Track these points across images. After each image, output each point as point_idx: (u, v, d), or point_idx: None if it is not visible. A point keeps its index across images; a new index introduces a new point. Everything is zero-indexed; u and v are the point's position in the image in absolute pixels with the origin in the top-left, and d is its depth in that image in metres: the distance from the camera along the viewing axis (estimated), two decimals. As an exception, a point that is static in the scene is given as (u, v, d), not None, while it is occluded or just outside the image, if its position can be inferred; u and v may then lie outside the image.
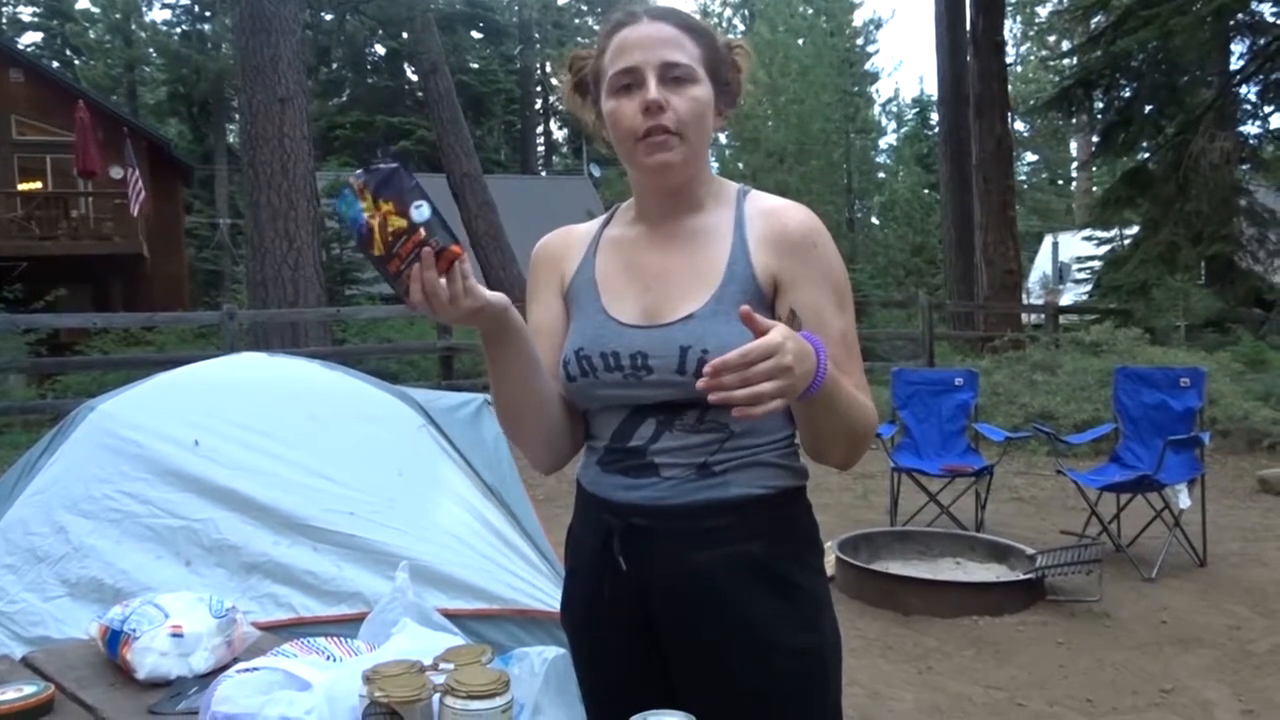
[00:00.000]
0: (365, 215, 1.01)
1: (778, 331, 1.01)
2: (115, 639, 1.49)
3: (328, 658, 1.23)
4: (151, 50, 32.27)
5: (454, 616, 2.41)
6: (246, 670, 1.14)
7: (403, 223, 1.00)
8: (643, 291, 1.30)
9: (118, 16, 32.32)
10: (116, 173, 16.49)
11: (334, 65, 32.10)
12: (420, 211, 1.00)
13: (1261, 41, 14.36)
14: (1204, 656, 3.66)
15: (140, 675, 1.44)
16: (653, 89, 1.23)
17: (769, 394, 0.99)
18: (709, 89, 1.28)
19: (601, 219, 1.45)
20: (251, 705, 1.06)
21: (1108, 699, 3.28)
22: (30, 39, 31.79)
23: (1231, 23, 13.80)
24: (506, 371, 1.23)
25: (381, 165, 1.00)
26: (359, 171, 1.01)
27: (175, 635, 1.45)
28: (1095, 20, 16.17)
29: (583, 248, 1.39)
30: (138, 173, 15.52)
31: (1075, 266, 22.27)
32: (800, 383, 1.04)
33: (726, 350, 1.19)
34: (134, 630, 1.47)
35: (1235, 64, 14.91)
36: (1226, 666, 3.55)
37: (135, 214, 15.90)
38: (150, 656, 1.44)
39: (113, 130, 17.00)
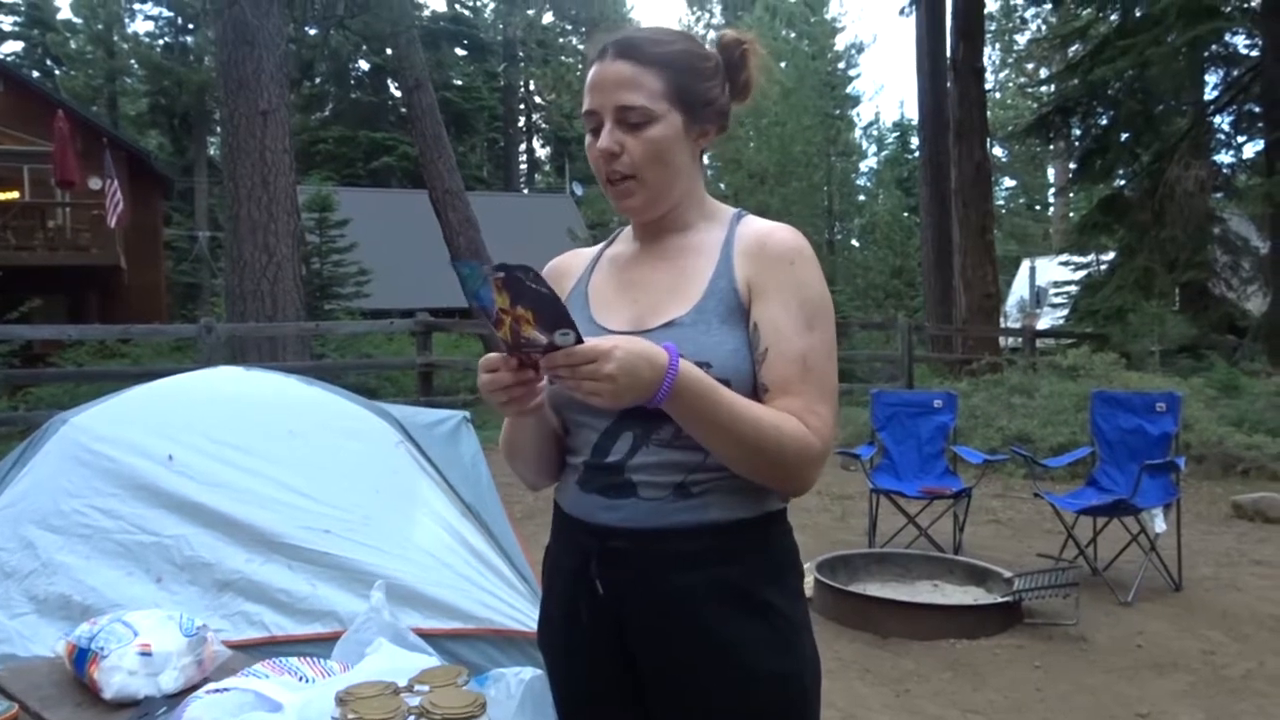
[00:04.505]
0: (496, 305, 1.09)
1: (608, 341, 1.09)
2: (82, 657, 1.46)
3: (300, 678, 1.21)
4: (133, 61, 32.15)
5: (430, 636, 2.38)
6: (216, 691, 1.12)
7: (540, 338, 1.07)
8: (631, 302, 1.33)
9: (99, 27, 32.21)
10: (95, 184, 16.35)
11: (317, 79, 32.07)
12: (567, 338, 1.07)
13: (1235, 72, 14.63)
14: (1179, 681, 3.67)
15: (107, 695, 1.41)
16: (604, 137, 1.28)
17: (586, 391, 1.09)
18: (673, 122, 1.29)
19: (607, 240, 1.50)
20: (221, 727, 1.04)
21: (1084, 723, 3.28)
22: (10, 48, 31.60)
23: (1206, 54, 14.04)
24: (521, 428, 1.34)
25: (533, 286, 1.05)
26: (498, 267, 1.06)
27: (144, 654, 1.42)
28: (1073, 49, 16.42)
29: (583, 267, 1.44)
30: (116, 184, 15.40)
31: (1052, 291, 22.46)
32: (627, 390, 1.09)
33: (703, 356, 1.20)
34: (102, 648, 1.44)
35: (1209, 94, 15.16)
36: (1201, 691, 3.57)
37: (113, 225, 15.76)
38: (118, 675, 1.41)
39: (92, 141, 16.87)
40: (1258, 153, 14.54)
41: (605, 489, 1.28)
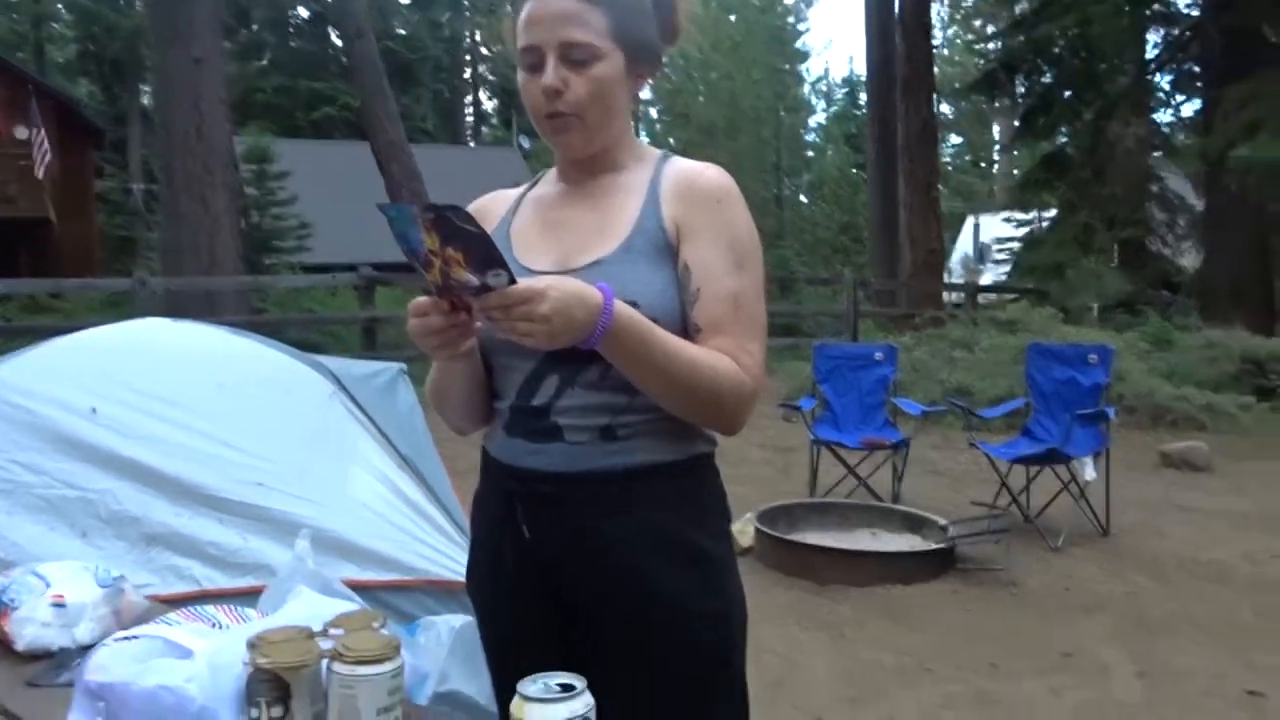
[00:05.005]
0: (425, 247, 1.06)
1: (542, 282, 1.07)
2: (-7, 610, 1.42)
3: (213, 625, 1.19)
4: (60, 6, 30.85)
5: (365, 588, 2.37)
6: (124, 639, 1.10)
7: (472, 280, 1.05)
8: (556, 242, 1.31)
9: (24, -31, 30.79)
10: (21, 133, 15.76)
11: (254, 27, 31.06)
12: (499, 279, 1.05)
13: (1175, 32, 14.82)
14: (1104, 622, 3.79)
15: (19, 646, 1.38)
16: (549, 73, 1.24)
17: (521, 333, 1.07)
18: (616, 62, 1.27)
19: (530, 183, 1.47)
20: (127, 674, 1.02)
21: (1011, 663, 3.38)
22: (-73, -10, 30.12)
23: (1147, 13, 14.20)
24: (450, 373, 1.31)
25: (463, 225, 1.02)
26: (427, 207, 1.03)
27: (57, 605, 1.39)
28: (1020, 6, 16.49)
29: (505, 209, 1.42)
30: (43, 133, 14.87)
31: (995, 247, 22.79)
32: (562, 331, 1.08)
33: (630, 295, 1.19)
34: (12, 600, 1.40)
35: (1150, 53, 15.36)
36: (1125, 632, 3.69)
37: (40, 176, 15.24)
38: (30, 627, 1.38)
39: (17, 88, 16.23)
40: (1196, 112, 14.82)
41: (531, 433, 1.27)
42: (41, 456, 2.49)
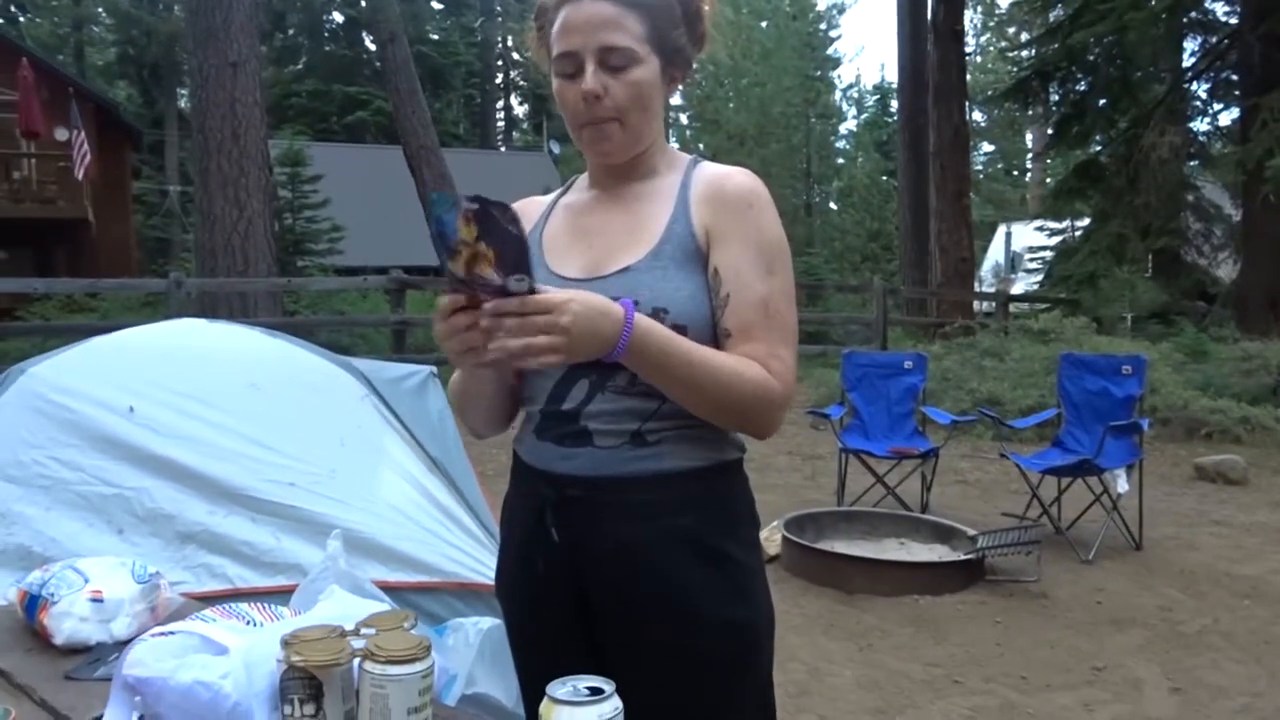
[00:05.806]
0: (459, 235, 1.04)
1: (564, 293, 1.06)
2: (33, 604, 1.45)
3: (248, 623, 1.21)
4: (101, 10, 31.37)
5: (393, 589, 2.38)
6: (161, 634, 1.11)
7: (494, 279, 1.03)
8: (586, 249, 1.32)
9: (65, -27, 31.33)
10: (61, 134, 16.01)
11: (289, 31, 31.49)
12: (521, 284, 1.04)
13: (1212, 40, 14.63)
14: (1136, 636, 3.74)
15: (58, 641, 1.40)
16: (589, 78, 1.24)
17: (540, 347, 1.03)
18: (653, 66, 1.27)
19: (561, 189, 1.47)
20: (164, 669, 1.03)
21: (1042, 676, 3.34)
22: (-28, -6, 30.71)
23: (1184, 20, 14.02)
24: (478, 379, 1.33)
25: (505, 225, 1.01)
26: (474, 198, 1.01)
27: (95, 600, 1.41)
28: (1054, 13, 16.34)
29: (537, 215, 1.42)
30: (83, 135, 15.09)
31: (1027, 256, 22.56)
32: (581, 345, 1.06)
33: (659, 302, 1.19)
34: (52, 595, 1.42)
35: (1187, 61, 15.17)
36: (1157, 646, 3.64)
37: (80, 177, 15.48)
38: (69, 621, 1.40)
39: (58, 90, 16.50)
40: (1233, 120, 14.59)
41: (561, 438, 1.28)
42: (80, 454, 2.53)
